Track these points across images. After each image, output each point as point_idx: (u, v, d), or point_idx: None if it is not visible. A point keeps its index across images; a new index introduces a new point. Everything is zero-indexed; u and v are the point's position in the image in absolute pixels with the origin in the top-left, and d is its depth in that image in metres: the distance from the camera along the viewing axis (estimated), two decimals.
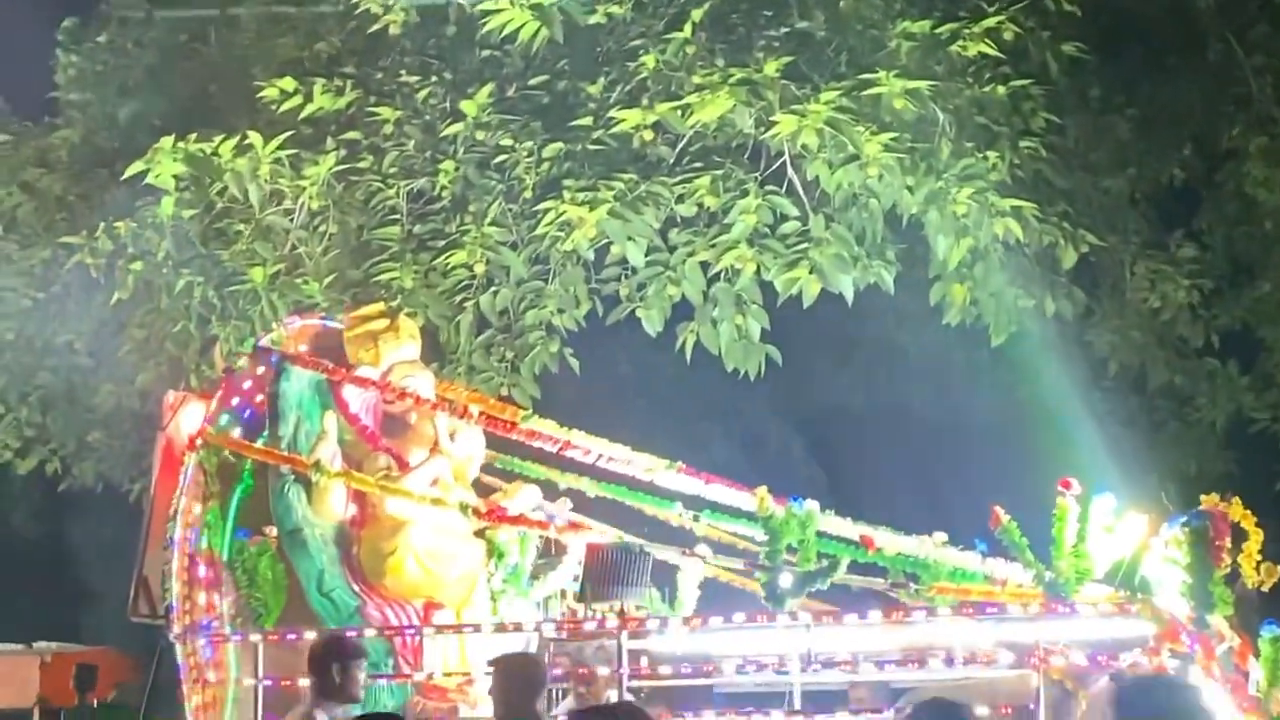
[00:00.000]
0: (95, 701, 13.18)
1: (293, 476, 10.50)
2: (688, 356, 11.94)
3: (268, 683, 9.87)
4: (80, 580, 15.01)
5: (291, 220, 12.50)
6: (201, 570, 10.28)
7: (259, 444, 10.65)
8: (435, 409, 10.83)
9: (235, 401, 10.83)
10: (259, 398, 10.88)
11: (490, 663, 8.20)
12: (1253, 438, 14.23)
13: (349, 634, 9.28)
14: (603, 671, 9.57)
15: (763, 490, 9.88)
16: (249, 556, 10.22)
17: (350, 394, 10.82)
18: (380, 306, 11.41)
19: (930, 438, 15.10)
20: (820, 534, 9.88)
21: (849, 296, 11.58)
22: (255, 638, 10.04)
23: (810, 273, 11.38)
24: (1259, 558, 8.93)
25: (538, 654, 8.99)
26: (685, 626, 9.84)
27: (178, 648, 10.09)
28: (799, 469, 16.33)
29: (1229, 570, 8.89)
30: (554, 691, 10.55)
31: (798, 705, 9.34)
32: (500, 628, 10.12)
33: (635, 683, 9.87)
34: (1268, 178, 12.71)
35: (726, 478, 10.76)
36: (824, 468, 16.06)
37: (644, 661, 10.45)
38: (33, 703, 13.82)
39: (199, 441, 10.53)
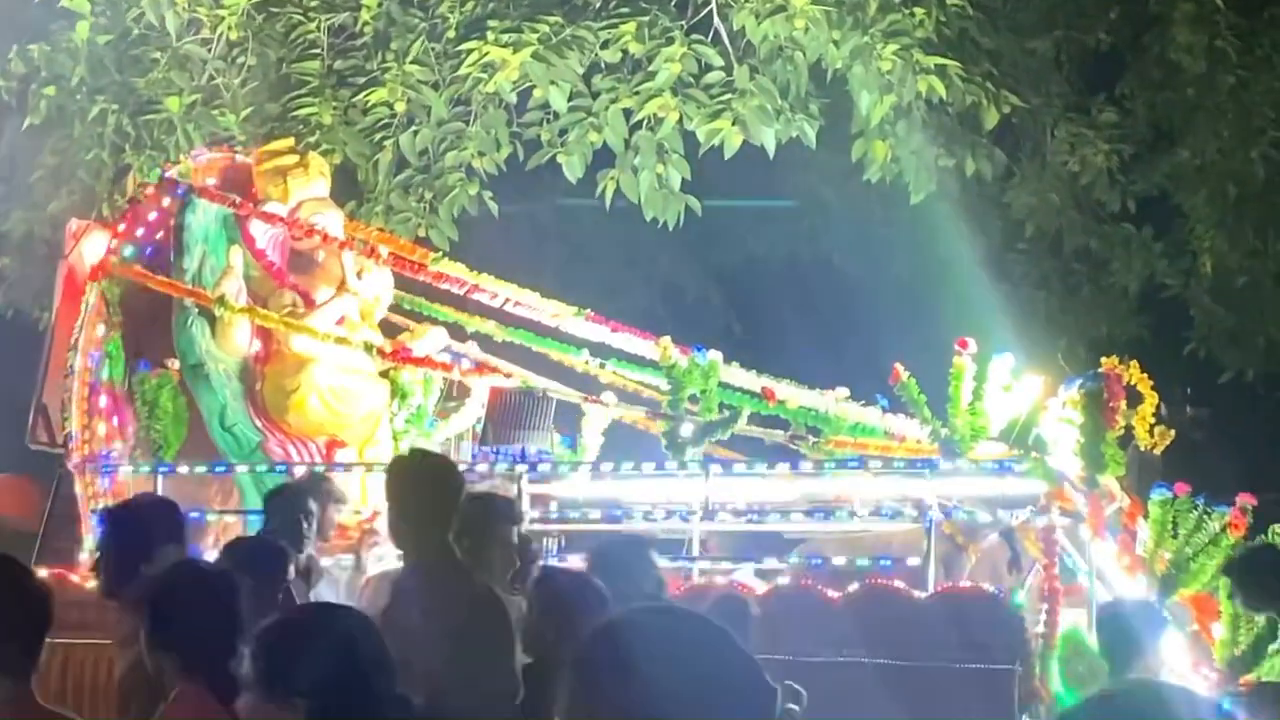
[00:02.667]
0: None
1: (196, 310, 10.42)
2: (607, 204, 11.92)
3: None
4: None
5: (209, 50, 12.35)
6: (102, 400, 10.20)
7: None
8: (343, 247, 10.74)
9: (140, 232, 10.66)
10: (164, 229, 10.73)
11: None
12: (1164, 303, 14.35)
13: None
14: None
15: (666, 340, 9.91)
16: (150, 388, 10.15)
17: (257, 229, 10.69)
18: (290, 142, 11.27)
19: (848, 293, 15.15)
20: (723, 385, 9.93)
21: (770, 149, 11.58)
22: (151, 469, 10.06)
23: (733, 124, 11.37)
24: (1152, 421, 9.03)
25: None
26: (587, 471, 9.91)
27: (76, 478, 10.06)
28: (717, 320, 16.35)
29: (1123, 432, 8.99)
30: None
31: (696, 552, 9.42)
32: None
33: (538, 527, 9.93)
34: (1192, 44, 12.64)
35: (645, 327, 10.76)
36: (742, 320, 16.10)
37: (554, 506, 10.54)
38: None
39: (101, 272, 10.42)
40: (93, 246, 10.66)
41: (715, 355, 9.80)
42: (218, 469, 10.15)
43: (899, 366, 9.22)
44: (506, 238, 13.59)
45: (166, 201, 10.72)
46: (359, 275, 10.75)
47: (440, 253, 11.27)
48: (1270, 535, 8.64)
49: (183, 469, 10.05)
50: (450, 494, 5.76)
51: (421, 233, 12.16)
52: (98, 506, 9.82)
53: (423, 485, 5.75)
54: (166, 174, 10.96)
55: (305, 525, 7.74)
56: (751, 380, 10.22)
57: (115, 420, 10.23)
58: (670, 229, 12.05)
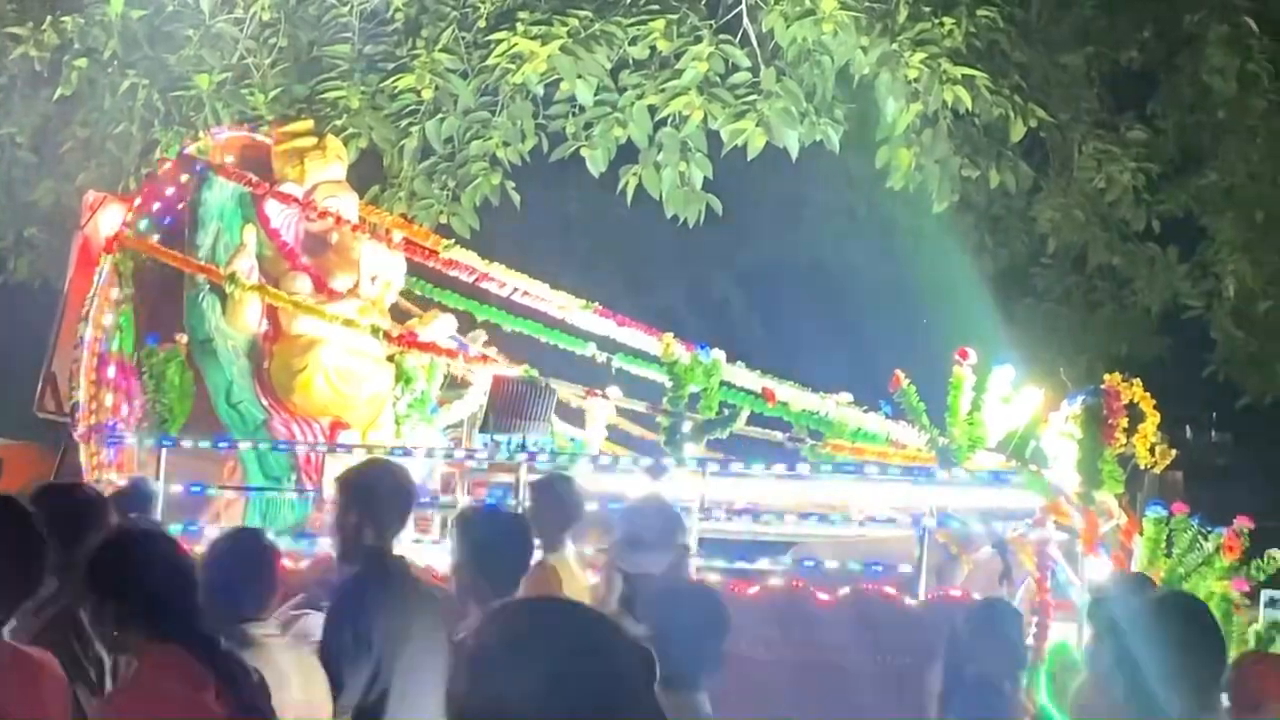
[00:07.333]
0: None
1: (208, 286, 10.48)
2: (629, 199, 11.97)
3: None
4: (4, 373, 15.00)
5: (241, 30, 12.44)
6: (110, 371, 10.28)
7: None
8: (356, 230, 10.79)
9: (156, 207, 10.74)
10: (180, 205, 10.80)
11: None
12: (1185, 324, 14.21)
13: None
14: None
15: (669, 336, 9.91)
16: (158, 361, 10.20)
17: (272, 209, 10.75)
18: (309, 124, 11.34)
19: (870, 299, 15.12)
20: (725, 384, 9.91)
21: (793, 151, 11.61)
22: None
23: (757, 125, 11.39)
24: (1154, 440, 8.98)
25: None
26: (589, 463, 9.90)
27: (81, 447, 10.13)
28: (739, 322, 16.35)
29: (1124, 449, 8.95)
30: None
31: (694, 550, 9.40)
32: (402, 451, 10.17)
33: None
34: (1224, 66, 12.51)
35: (667, 327, 10.70)
36: (765, 323, 16.06)
37: None
38: None
39: (116, 244, 10.49)
40: (109, 219, 10.75)
41: (718, 354, 9.79)
42: (221, 444, 10.20)
43: (899, 373, 9.20)
44: (531, 230, 13.63)
45: (184, 177, 10.79)
46: (373, 281, 10.75)
47: (454, 240, 11.31)
48: (1267, 560, 8.61)
49: (186, 443, 10.10)
50: None
51: (443, 220, 12.22)
52: (101, 476, 9.93)
53: None
54: (185, 150, 11.04)
55: None
56: (754, 380, 10.20)
57: (122, 392, 10.29)
58: (691, 227, 12.08)
